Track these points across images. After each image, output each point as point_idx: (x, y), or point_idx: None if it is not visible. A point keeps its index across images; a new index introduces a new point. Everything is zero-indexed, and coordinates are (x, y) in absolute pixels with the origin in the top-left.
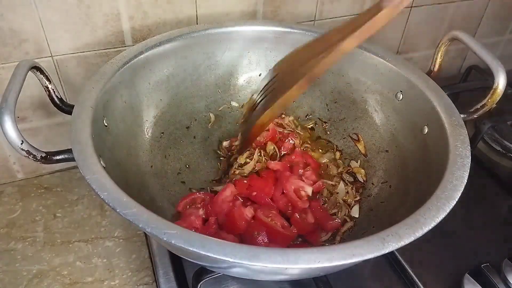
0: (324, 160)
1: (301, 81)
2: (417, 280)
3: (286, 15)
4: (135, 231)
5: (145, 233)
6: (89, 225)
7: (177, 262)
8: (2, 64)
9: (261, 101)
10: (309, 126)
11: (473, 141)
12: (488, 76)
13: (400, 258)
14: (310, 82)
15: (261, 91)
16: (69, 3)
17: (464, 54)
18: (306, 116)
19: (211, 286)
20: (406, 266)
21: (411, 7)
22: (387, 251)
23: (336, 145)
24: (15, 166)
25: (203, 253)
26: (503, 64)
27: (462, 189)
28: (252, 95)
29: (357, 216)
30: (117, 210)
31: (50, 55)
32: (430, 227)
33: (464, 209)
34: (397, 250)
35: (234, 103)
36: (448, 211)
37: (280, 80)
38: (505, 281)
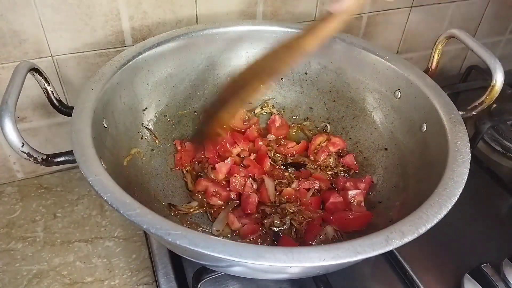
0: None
1: (263, 77)
2: (417, 280)
3: (286, 15)
4: (135, 231)
5: (145, 233)
6: (89, 225)
7: (177, 262)
8: (2, 64)
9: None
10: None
11: (473, 141)
12: (488, 76)
13: (400, 258)
14: (271, 78)
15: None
16: (69, 3)
17: (464, 54)
18: (306, 119)
19: (211, 286)
20: (406, 266)
21: (411, 7)
22: (391, 248)
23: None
24: (15, 166)
25: (208, 253)
26: (503, 64)
27: (463, 185)
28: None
29: None
30: (121, 211)
31: (50, 55)
32: (432, 224)
33: (464, 209)
34: (397, 250)
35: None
36: (449, 207)
37: (242, 79)
38: (505, 281)
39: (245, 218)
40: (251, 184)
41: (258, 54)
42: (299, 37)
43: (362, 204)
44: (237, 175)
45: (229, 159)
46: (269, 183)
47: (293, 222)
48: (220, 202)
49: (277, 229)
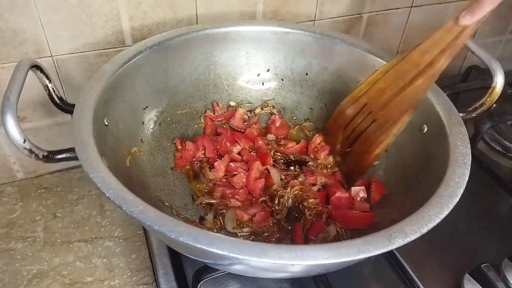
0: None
1: (409, 110)
2: (417, 280)
3: (286, 15)
4: (135, 231)
5: (145, 233)
6: (89, 225)
7: (177, 262)
8: (2, 64)
9: (360, 132)
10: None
11: (473, 141)
12: (488, 76)
13: (400, 258)
14: (416, 108)
15: (350, 123)
16: (69, 3)
17: (464, 54)
18: (306, 119)
19: (211, 286)
20: (406, 266)
21: (411, 7)
22: (393, 247)
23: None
24: (15, 166)
25: (211, 250)
26: (503, 64)
27: (464, 186)
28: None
29: None
30: (123, 208)
31: (50, 55)
32: (434, 224)
33: (464, 209)
34: (397, 250)
35: (232, 103)
36: (451, 207)
37: (377, 112)
38: (505, 281)
39: (251, 208)
40: (259, 166)
41: (259, 54)
42: (432, 59)
43: (365, 202)
44: (236, 172)
45: (225, 156)
46: (274, 172)
47: (304, 208)
48: (238, 203)
49: (286, 204)
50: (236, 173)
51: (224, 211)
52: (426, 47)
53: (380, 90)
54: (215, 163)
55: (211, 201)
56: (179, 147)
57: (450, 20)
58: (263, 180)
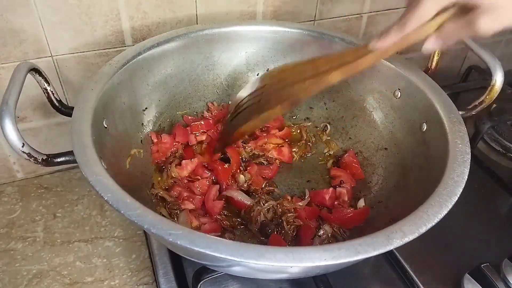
0: None
1: (285, 102)
2: (417, 280)
3: (286, 15)
4: (135, 231)
5: (145, 233)
6: (89, 225)
7: (177, 262)
8: (2, 64)
9: (246, 107)
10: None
11: (473, 141)
12: (488, 76)
13: (400, 258)
14: (293, 105)
15: (247, 96)
16: (69, 3)
17: (464, 54)
18: (305, 119)
19: (211, 286)
20: (406, 266)
21: None
22: (392, 248)
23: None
24: (15, 166)
25: (209, 253)
26: (503, 64)
27: (463, 185)
28: (238, 95)
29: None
30: (122, 212)
31: (50, 55)
32: (433, 223)
33: (464, 209)
34: (397, 249)
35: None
36: (450, 207)
37: (267, 94)
38: (505, 281)
39: (203, 218)
40: (216, 192)
41: (258, 54)
42: (328, 70)
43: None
44: (200, 177)
45: (195, 159)
46: (237, 195)
47: (282, 220)
48: (192, 206)
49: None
50: (199, 178)
51: (178, 212)
52: (333, 57)
53: (281, 78)
54: (183, 161)
55: (165, 197)
56: (155, 140)
57: (363, 44)
58: (222, 202)
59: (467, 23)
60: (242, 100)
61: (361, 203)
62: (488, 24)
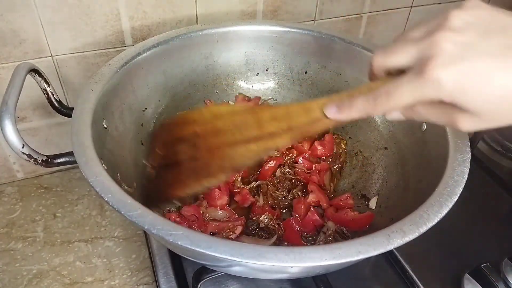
0: None
1: (228, 170)
2: (417, 280)
3: (286, 15)
4: (135, 231)
5: (145, 233)
6: (89, 225)
7: (177, 262)
8: (2, 64)
9: (178, 160)
10: None
11: (473, 141)
12: None
13: (400, 258)
14: (235, 172)
15: (175, 139)
16: (69, 3)
17: None
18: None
19: (211, 286)
20: (406, 266)
21: (411, 7)
22: (392, 247)
23: None
24: (15, 166)
25: (209, 253)
26: None
27: (463, 184)
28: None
29: (373, 208)
30: (122, 212)
31: (50, 55)
32: (433, 223)
33: (464, 208)
34: (397, 249)
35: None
36: (450, 206)
37: (204, 150)
38: (505, 281)
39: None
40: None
41: (258, 54)
42: (275, 132)
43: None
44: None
45: (226, 197)
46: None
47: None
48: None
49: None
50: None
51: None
52: (279, 114)
53: (217, 129)
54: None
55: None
56: None
57: (315, 102)
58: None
59: (445, 115)
60: (173, 145)
61: (373, 202)
62: (471, 124)
